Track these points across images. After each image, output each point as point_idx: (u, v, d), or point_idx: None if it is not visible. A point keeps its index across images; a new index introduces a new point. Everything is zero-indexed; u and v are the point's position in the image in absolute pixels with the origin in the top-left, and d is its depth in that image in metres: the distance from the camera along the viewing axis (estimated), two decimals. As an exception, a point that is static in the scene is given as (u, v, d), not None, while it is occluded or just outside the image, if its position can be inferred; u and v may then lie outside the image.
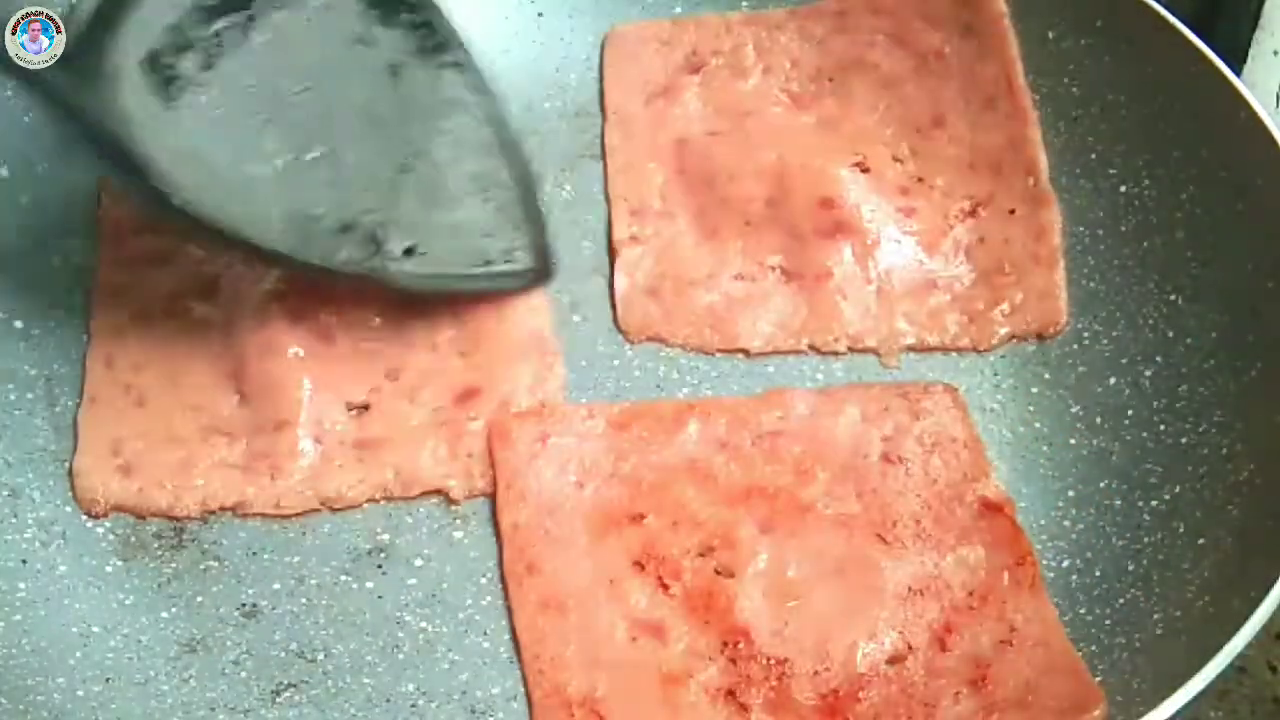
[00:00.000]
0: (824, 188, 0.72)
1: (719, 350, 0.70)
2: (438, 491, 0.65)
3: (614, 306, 0.71)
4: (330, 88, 0.66)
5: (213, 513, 0.64)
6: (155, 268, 0.71)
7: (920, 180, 0.73)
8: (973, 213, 0.72)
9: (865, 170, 0.73)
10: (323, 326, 0.68)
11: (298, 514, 0.64)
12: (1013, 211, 0.72)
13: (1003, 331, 0.70)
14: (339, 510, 0.65)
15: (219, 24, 0.63)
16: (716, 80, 0.78)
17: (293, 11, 0.65)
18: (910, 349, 0.70)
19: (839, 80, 0.77)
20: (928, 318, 0.70)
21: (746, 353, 0.70)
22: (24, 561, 0.62)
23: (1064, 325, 0.69)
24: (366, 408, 0.67)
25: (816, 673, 0.58)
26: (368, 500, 0.65)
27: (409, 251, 0.66)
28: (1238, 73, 0.71)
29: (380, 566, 0.63)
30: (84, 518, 0.64)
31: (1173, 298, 0.68)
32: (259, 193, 0.63)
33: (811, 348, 0.70)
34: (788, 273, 0.71)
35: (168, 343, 0.68)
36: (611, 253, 0.73)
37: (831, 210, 0.71)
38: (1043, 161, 0.73)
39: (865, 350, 0.70)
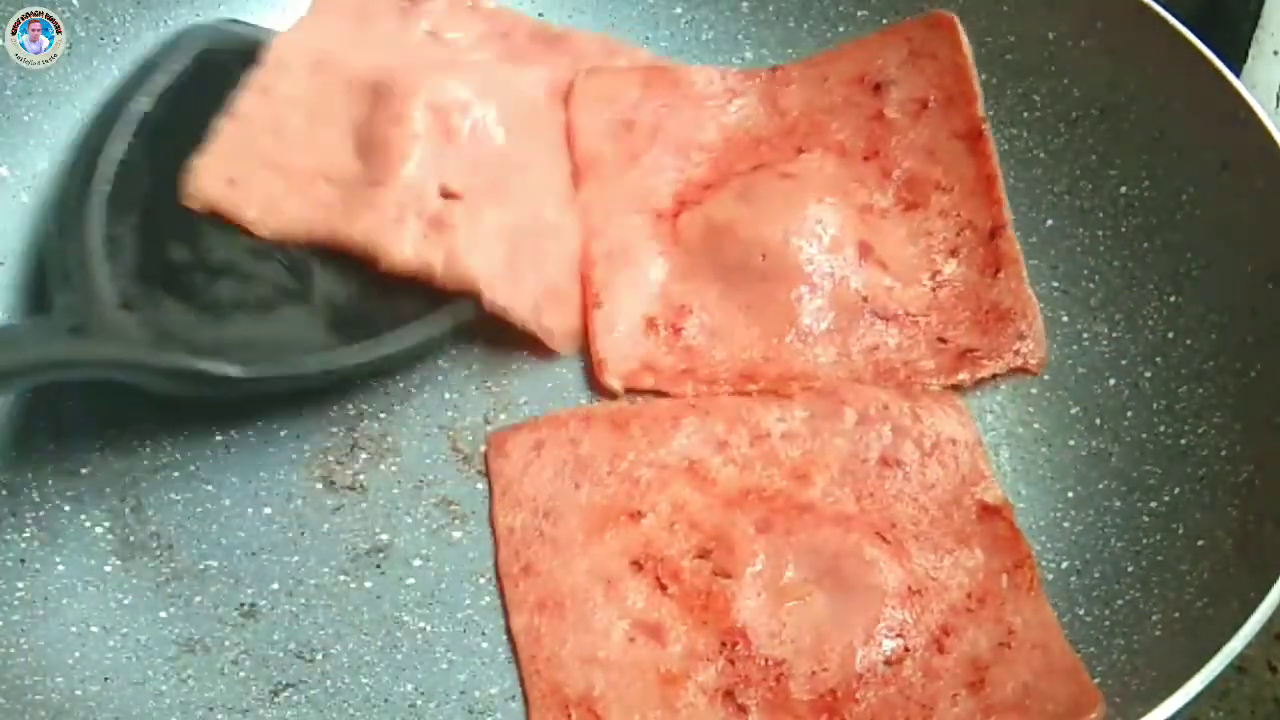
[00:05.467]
0: None
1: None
2: (478, 297, 0.68)
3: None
4: None
5: (282, 244, 0.68)
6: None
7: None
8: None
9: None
10: (448, 123, 0.72)
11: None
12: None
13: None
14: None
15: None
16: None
17: None
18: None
19: None
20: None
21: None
22: (23, 561, 0.62)
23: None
24: (458, 198, 0.70)
25: (814, 673, 0.58)
26: (407, 269, 0.67)
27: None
28: (1238, 73, 0.71)
29: (379, 566, 0.63)
30: (83, 518, 0.64)
31: (1173, 298, 0.68)
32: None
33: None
34: None
35: (324, 90, 0.72)
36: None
37: None
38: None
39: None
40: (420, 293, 0.68)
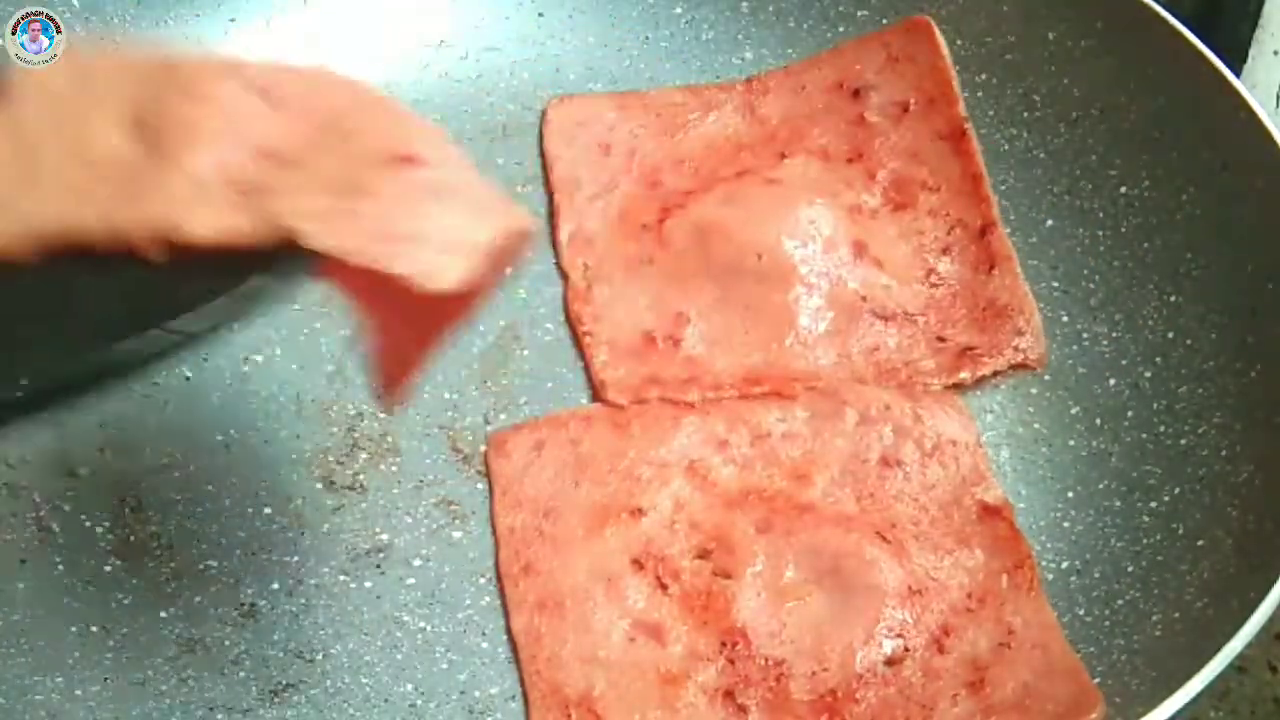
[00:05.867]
0: None
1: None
2: (295, 245, 0.52)
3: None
4: None
5: (39, 247, 0.51)
6: None
7: None
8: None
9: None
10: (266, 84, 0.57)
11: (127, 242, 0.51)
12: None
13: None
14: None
15: None
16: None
17: None
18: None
19: None
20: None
21: None
22: (23, 561, 0.62)
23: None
24: (278, 158, 0.55)
25: (814, 673, 0.58)
26: (208, 239, 0.52)
27: None
28: (1238, 73, 0.71)
29: (379, 566, 0.63)
30: (83, 518, 0.64)
31: (1173, 298, 0.68)
32: None
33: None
34: None
35: (87, 79, 0.56)
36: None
37: None
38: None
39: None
40: (211, 264, 0.52)
